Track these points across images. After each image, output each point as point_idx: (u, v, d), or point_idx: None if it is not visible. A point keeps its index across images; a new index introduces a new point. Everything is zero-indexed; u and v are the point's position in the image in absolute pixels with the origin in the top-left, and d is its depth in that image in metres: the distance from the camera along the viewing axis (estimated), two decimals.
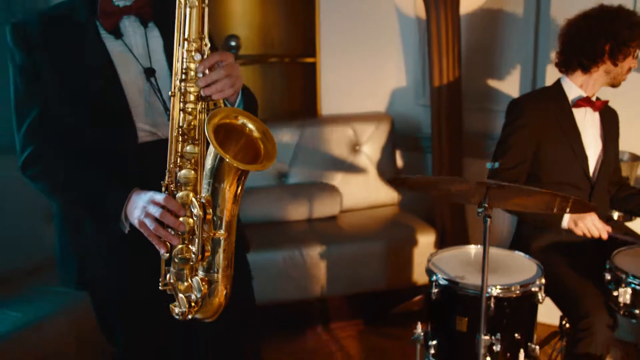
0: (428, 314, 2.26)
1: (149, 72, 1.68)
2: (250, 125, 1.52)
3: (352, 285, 3.33)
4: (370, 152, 3.76)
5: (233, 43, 3.77)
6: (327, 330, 3.39)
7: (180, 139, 1.55)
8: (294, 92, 4.02)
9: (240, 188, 1.51)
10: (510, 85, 3.55)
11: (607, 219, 2.52)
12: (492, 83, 3.64)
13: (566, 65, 2.50)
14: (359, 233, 3.43)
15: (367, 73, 3.92)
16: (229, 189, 1.49)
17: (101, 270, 1.72)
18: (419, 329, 2.26)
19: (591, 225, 2.30)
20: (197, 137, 1.55)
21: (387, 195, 3.81)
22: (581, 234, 2.33)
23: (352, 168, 3.74)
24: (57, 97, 1.63)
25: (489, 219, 1.90)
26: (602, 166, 2.50)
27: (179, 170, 1.55)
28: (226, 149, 1.48)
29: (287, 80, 4.01)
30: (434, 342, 2.20)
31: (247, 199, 3.37)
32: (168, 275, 1.59)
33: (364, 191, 3.76)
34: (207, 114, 1.53)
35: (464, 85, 3.58)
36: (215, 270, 1.54)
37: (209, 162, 1.48)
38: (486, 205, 1.88)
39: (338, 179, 3.70)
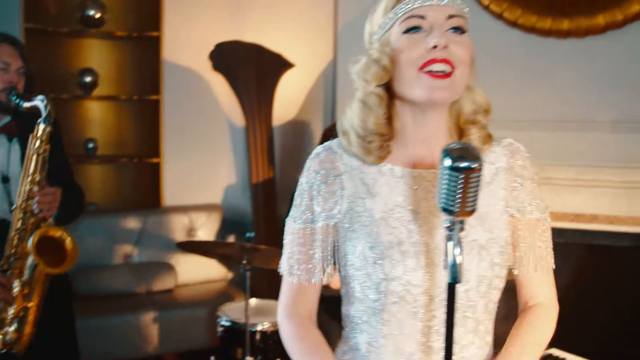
0: (218, 349, 3.03)
1: (4, 179, 2.40)
2: (65, 238, 2.31)
3: (183, 344, 4.02)
4: (203, 236, 4.54)
5: (91, 145, 4.52)
6: None
7: (15, 239, 2.28)
8: (141, 186, 4.76)
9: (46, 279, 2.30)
10: None
11: None
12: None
13: None
14: (189, 301, 4.16)
15: (203, 171, 4.75)
16: (40, 278, 2.26)
17: None
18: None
19: None
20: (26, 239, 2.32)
21: (218, 272, 4.57)
22: None
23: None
24: None
25: (248, 273, 2.72)
26: None
27: (12, 259, 2.29)
28: (43, 251, 2.25)
29: (136, 176, 4.77)
30: None
31: (97, 275, 4.05)
32: None
33: (198, 269, 4.50)
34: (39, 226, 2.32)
35: (279, 182, 4.49)
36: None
37: (29, 260, 2.25)
38: (245, 262, 2.70)
39: (175, 259, 4.44)
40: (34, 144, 2.29)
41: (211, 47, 4.34)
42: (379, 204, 1.28)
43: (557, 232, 3.66)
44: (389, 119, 1.30)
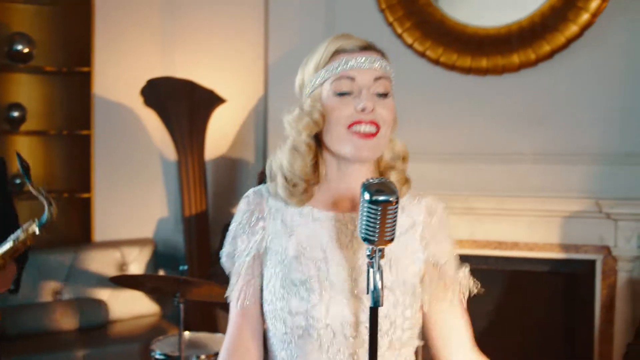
0: None
1: None
2: None
3: None
4: (135, 270, 4.51)
5: (18, 181, 4.45)
6: None
7: None
8: (71, 221, 4.71)
9: None
10: None
11: None
12: (235, 210, 4.61)
13: None
14: (122, 337, 4.12)
15: (135, 205, 4.74)
16: None
17: None
18: None
19: None
20: None
21: (150, 307, 4.54)
22: None
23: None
24: None
25: (181, 306, 2.75)
26: None
27: None
28: None
29: (66, 211, 4.71)
30: None
31: (25, 313, 3.97)
32: None
33: (130, 304, 4.46)
34: None
35: (212, 215, 4.52)
36: None
37: None
38: (178, 295, 2.73)
39: (107, 294, 4.39)
40: None
41: (142, 83, 4.38)
42: (294, 243, 1.38)
43: (481, 259, 3.84)
44: (316, 165, 1.42)
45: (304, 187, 1.40)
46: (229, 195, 4.64)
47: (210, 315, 4.43)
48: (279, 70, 4.26)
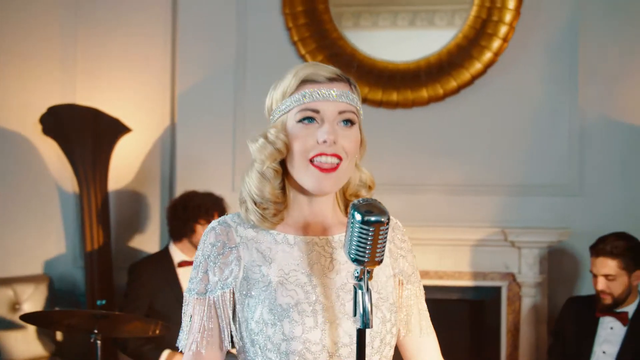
0: None
1: None
2: None
3: None
4: (30, 309, 4.22)
5: None
6: None
7: None
8: None
9: None
10: (152, 246, 4.38)
11: None
12: (139, 245, 4.44)
13: (172, 236, 3.44)
14: None
15: (29, 240, 4.45)
16: None
17: None
18: None
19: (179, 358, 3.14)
20: None
21: (44, 347, 4.26)
22: None
23: (12, 325, 4.15)
24: None
25: (99, 342, 2.60)
26: None
27: None
28: None
29: None
30: None
31: None
32: None
33: (24, 345, 4.17)
34: None
35: (116, 250, 4.33)
36: None
37: None
38: (96, 331, 2.58)
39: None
40: None
41: (40, 110, 4.17)
42: (275, 270, 1.35)
43: None
44: (284, 189, 1.41)
45: (274, 211, 1.38)
46: (133, 228, 4.47)
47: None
48: (188, 100, 4.19)
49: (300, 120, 1.36)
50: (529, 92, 3.86)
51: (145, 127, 4.43)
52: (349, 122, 1.38)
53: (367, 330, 1.30)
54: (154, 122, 4.46)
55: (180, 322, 1.41)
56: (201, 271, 1.38)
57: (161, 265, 3.37)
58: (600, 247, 3.13)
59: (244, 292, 1.35)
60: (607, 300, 3.12)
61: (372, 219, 1.11)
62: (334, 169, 1.34)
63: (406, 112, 3.93)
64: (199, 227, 3.37)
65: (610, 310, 3.15)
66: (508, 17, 3.78)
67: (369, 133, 3.99)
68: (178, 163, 4.24)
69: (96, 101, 4.26)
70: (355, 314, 1.17)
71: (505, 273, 3.80)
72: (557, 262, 3.78)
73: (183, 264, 3.37)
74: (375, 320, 1.33)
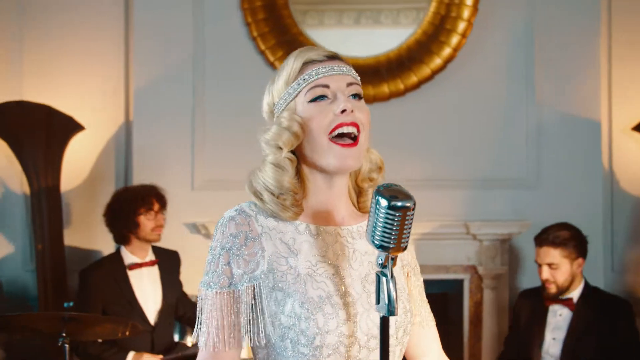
0: None
1: None
2: None
3: None
4: None
5: None
6: None
7: None
8: None
9: None
10: (108, 247, 4.26)
11: (168, 347, 3.31)
12: (94, 246, 4.31)
13: (118, 240, 3.37)
14: None
15: None
16: None
17: None
18: None
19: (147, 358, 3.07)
20: None
21: None
22: None
23: None
24: None
25: (67, 346, 2.50)
26: (160, 312, 3.31)
27: None
28: None
29: None
30: None
31: None
32: None
33: None
34: None
35: (69, 250, 4.18)
36: None
37: None
38: (64, 334, 2.48)
39: None
40: None
41: None
42: (302, 261, 1.32)
43: None
44: (299, 178, 1.38)
45: (293, 201, 1.35)
46: (87, 230, 4.32)
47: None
48: (144, 98, 4.09)
49: (312, 100, 1.33)
50: (487, 87, 3.93)
51: (99, 125, 4.30)
52: (357, 95, 1.36)
53: (392, 321, 1.30)
54: (108, 119, 4.33)
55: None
56: (222, 263, 1.32)
57: (112, 269, 3.29)
58: (544, 237, 3.24)
59: (270, 285, 1.30)
60: (552, 289, 3.21)
61: (399, 204, 1.09)
62: (354, 143, 1.32)
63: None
64: (142, 219, 3.31)
65: (557, 298, 3.24)
66: (466, 13, 3.84)
67: None
68: (135, 162, 4.13)
69: (44, 98, 4.11)
70: (378, 302, 1.15)
71: (467, 266, 3.85)
72: (517, 254, 3.86)
73: (134, 266, 3.31)
74: (399, 311, 1.31)
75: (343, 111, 1.31)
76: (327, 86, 1.33)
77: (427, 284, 3.83)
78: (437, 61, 3.85)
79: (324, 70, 1.34)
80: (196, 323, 1.36)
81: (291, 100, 1.35)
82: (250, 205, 1.37)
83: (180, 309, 3.46)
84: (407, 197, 1.11)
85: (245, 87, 3.87)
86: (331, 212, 1.39)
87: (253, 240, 1.32)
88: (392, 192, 1.11)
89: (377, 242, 1.13)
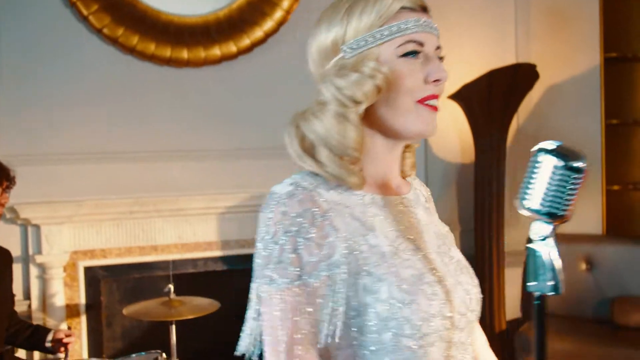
0: None
1: None
2: None
3: None
4: None
5: None
6: None
7: None
8: None
9: None
10: None
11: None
12: None
13: None
14: None
15: None
16: None
17: None
18: None
19: None
20: None
21: None
22: None
23: None
24: None
25: None
26: None
27: None
28: None
29: None
30: None
31: None
32: None
33: None
34: None
35: None
36: None
37: None
38: None
39: None
40: None
41: None
42: (381, 238, 1.10)
43: (189, 263, 3.49)
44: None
45: (358, 164, 1.13)
46: None
47: None
48: None
49: (404, 55, 1.11)
50: None
51: None
52: (441, 59, 1.17)
53: (475, 297, 1.17)
54: None
55: None
56: (286, 252, 1.04)
57: None
58: None
59: (354, 271, 1.05)
60: None
61: (578, 164, 0.94)
62: (437, 108, 1.15)
63: (197, 71, 3.60)
64: None
65: None
66: None
67: (154, 94, 3.59)
68: None
69: None
70: (533, 279, 0.99)
71: None
72: None
73: None
74: (475, 282, 1.19)
75: (436, 80, 1.12)
76: (421, 44, 1.12)
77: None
78: (270, 24, 3.63)
79: (423, 24, 1.12)
80: (245, 330, 1.11)
81: (375, 47, 1.11)
82: (305, 177, 1.12)
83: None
84: (581, 156, 0.97)
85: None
86: (388, 181, 1.20)
87: (323, 219, 1.06)
88: (564, 151, 0.96)
89: (545, 209, 0.96)
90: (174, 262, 3.51)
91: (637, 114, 3.93)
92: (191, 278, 3.59)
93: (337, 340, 1.05)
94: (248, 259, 3.46)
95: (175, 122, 3.59)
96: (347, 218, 1.09)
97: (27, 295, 3.37)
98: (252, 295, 1.09)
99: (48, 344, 2.81)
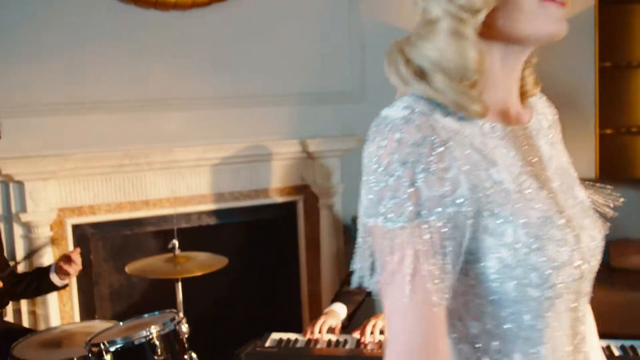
0: None
1: None
2: None
3: None
4: None
5: None
6: None
7: None
8: None
9: None
10: None
11: None
12: None
13: None
14: None
15: None
16: None
17: None
18: None
19: None
20: None
21: None
22: None
23: None
24: None
25: None
26: None
27: None
28: None
29: None
30: None
31: None
32: None
33: None
34: None
35: None
36: None
37: None
38: None
39: None
40: None
41: None
42: (504, 174, 0.95)
43: (182, 217, 3.36)
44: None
45: (477, 88, 0.96)
46: None
47: None
48: None
49: None
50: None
51: None
52: None
53: (599, 245, 1.04)
54: None
55: None
56: (405, 185, 0.88)
57: None
58: None
59: (476, 210, 0.91)
60: None
61: None
62: (564, 3, 0.98)
63: (183, 14, 3.39)
64: None
65: None
66: None
67: (140, 40, 3.37)
68: None
69: None
70: None
71: (301, 185, 3.65)
72: (350, 170, 3.73)
73: None
74: (599, 228, 1.05)
75: None
76: None
77: (259, 209, 3.58)
78: None
79: None
80: (355, 268, 0.94)
81: None
82: (418, 101, 0.94)
83: None
84: None
85: None
86: (507, 108, 1.03)
87: (444, 149, 0.90)
88: None
89: None
90: (164, 217, 3.37)
91: (631, 57, 3.89)
92: (187, 233, 3.44)
93: (455, 288, 0.92)
94: (239, 212, 3.37)
95: (164, 69, 3.40)
96: (467, 148, 0.93)
97: (11, 256, 3.19)
98: (361, 234, 0.95)
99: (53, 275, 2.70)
